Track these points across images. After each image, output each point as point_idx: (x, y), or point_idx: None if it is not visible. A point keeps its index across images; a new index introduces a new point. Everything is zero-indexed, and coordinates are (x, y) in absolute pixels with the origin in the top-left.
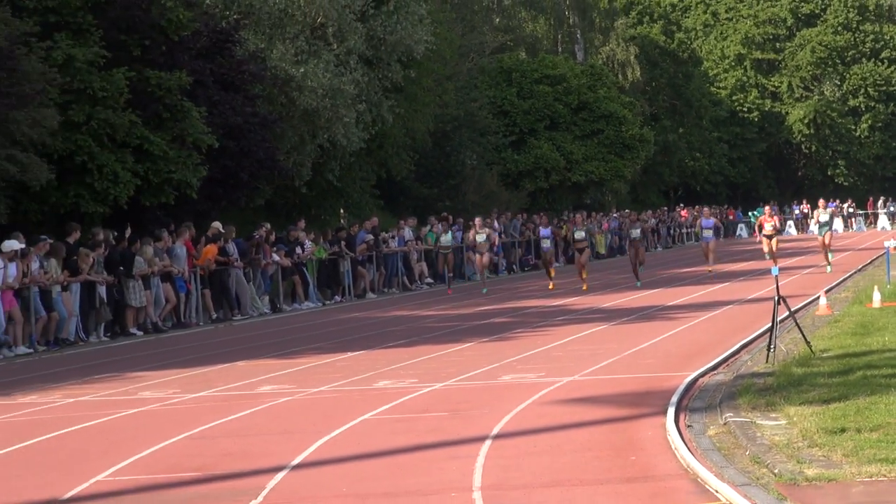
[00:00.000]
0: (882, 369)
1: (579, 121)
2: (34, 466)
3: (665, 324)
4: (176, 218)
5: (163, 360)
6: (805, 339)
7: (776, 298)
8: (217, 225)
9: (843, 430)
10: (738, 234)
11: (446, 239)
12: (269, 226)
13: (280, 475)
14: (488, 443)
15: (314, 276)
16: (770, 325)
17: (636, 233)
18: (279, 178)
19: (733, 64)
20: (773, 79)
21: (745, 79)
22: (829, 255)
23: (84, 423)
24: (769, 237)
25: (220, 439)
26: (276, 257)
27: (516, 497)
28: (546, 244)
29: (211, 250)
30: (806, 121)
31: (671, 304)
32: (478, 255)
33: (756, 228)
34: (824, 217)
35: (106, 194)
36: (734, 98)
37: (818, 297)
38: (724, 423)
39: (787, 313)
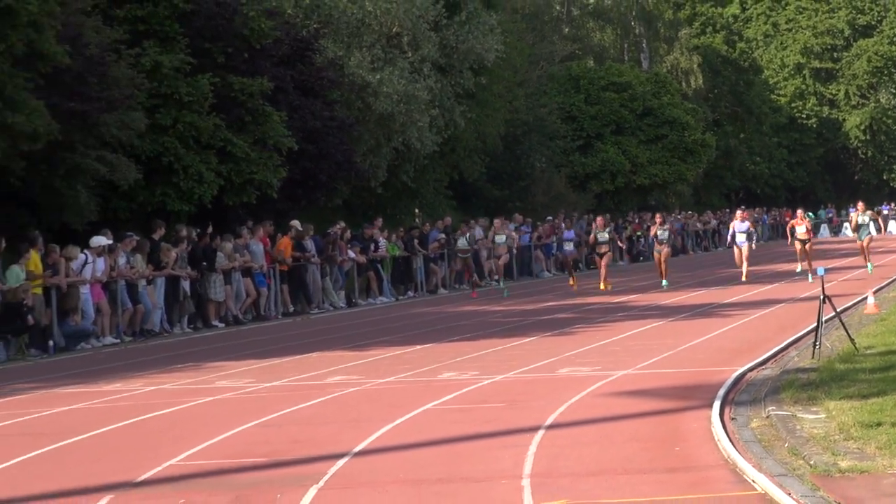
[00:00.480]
0: None
1: (644, 126)
2: (112, 450)
3: (718, 321)
4: (257, 216)
5: (241, 351)
6: (849, 337)
7: (821, 297)
8: (296, 223)
9: (878, 424)
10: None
11: (462, 242)
12: (343, 224)
13: (342, 461)
14: (541, 433)
15: (388, 273)
16: (817, 322)
17: (663, 235)
18: (356, 180)
19: (793, 73)
20: (830, 87)
21: (803, 87)
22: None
23: (162, 410)
24: (803, 242)
25: (288, 427)
26: (351, 254)
27: (563, 485)
28: (569, 247)
29: (285, 243)
30: (862, 127)
31: (726, 301)
32: (494, 259)
33: (788, 232)
34: (863, 219)
35: (191, 193)
36: (793, 105)
37: (866, 297)
38: (767, 417)
39: (833, 313)
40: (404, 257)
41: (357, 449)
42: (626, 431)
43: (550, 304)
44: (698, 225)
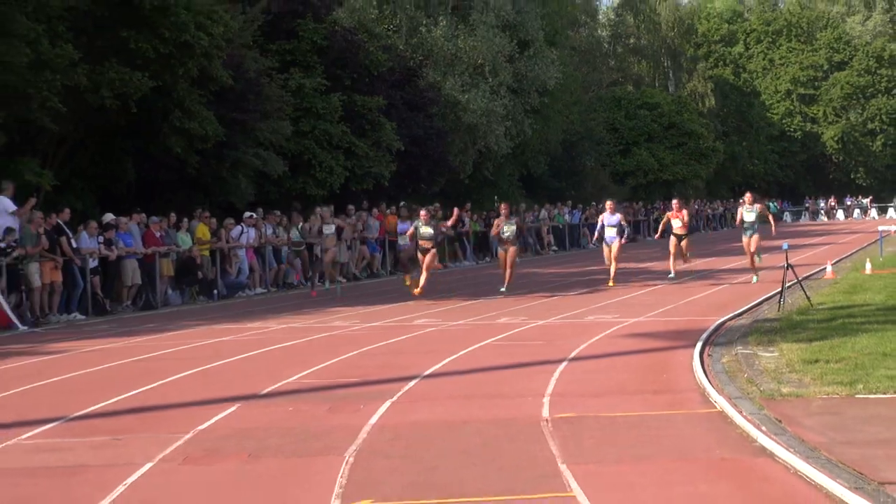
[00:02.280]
0: (858, 318)
1: (668, 136)
2: (246, 371)
3: (713, 283)
4: (373, 200)
5: (355, 300)
6: (806, 296)
7: (786, 266)
8: (403, 205)
9: (816, 361)
10: (783, 218)
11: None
12: (438, 205)
13: (413, 382)
14: (564, 363)
15: (471, 244)
16: (781, 284)
17: (509, 232)
18: (449, 174)
19: (783, 97)
20: (812, 108)
21: (791, 107)
22: (757, 258)
23: (288, 342)
24: (679, 237)
25: (377, 356)
26: (442, 229)
27: (572, 401)
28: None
29: (391, 220)
30: (836, 138)
31: (721, 269)
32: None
33: (661, 227)
34: (750, 216)
35: (325, 182)
36: (783, 121)
37: (825, 267)
38: (735, 354)
39: (795, 280)
40: (483, 232)
41: (426, 373)
42: (627, 363)
43: (589, 268)
44: (709, 210)
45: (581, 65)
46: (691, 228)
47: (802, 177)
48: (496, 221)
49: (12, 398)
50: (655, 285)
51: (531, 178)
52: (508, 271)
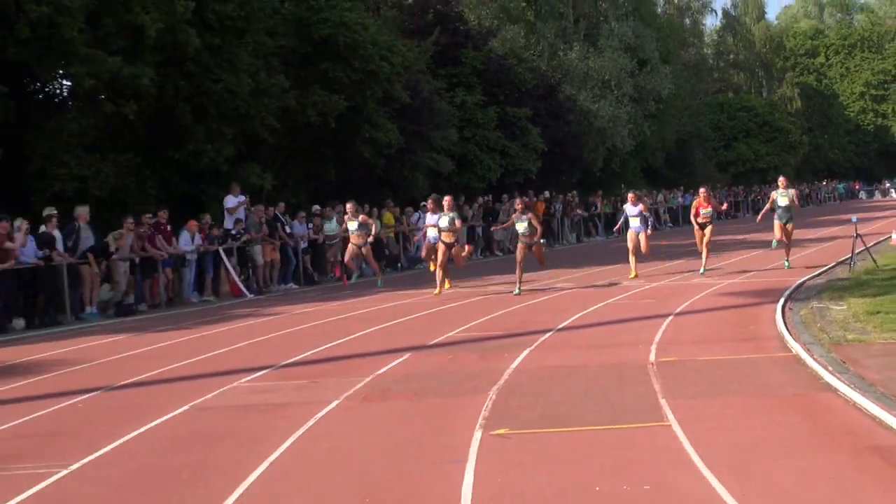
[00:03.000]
0: None
1: (763, 132)
2: (415, 329)
3: (800, 249)
4: (523, 190)
5: (505, 268)
6: (873, 259)
7: (855, 235)
8: (546, 194)
9: (877, 313)
10: (860, 195)
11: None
12: (575, 192)
13: (547, 335)
14: (670, 318)
15: (602, 222)
16: (852, 250)
17: (521, 226)
18: (583, 168)
19: (858, 97)
20: (882, 105)
21: (865, 106)
22: (786, 264)
23: (450, 304)
24: (702, 227)
25: (521, 314)
26: (578, 211)
27: (674, 348)
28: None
29: (540, 206)
30: None
31: (810, 237)
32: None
33: (692, 216)
34: (783, 201)
35: (484, 177)
36: (858, 117)
37: (891, 235)
38: (811, 308)
39: (863, 247)
40: (612, 213)
41: (558, 327)
42: (722, 316)
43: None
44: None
45: (690, 77)
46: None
47: (875, 162)
48: (511, 217)
49: (238, 350)
50: (752, 252)
51: (650, 170)
52: (538, 259)
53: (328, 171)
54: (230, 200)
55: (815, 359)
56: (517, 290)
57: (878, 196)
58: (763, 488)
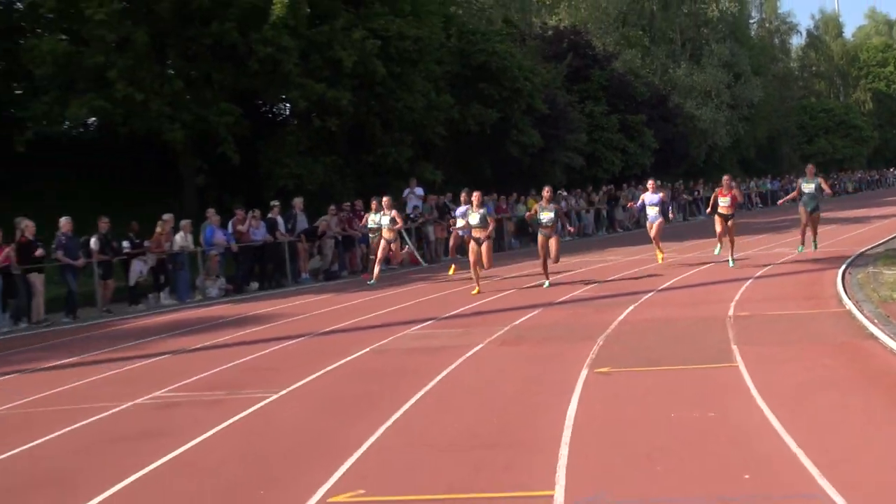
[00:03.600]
0: None
1: (839, 129)
2: (549, 290)
3: (863, 225)
4: (639, 180)
5: (619, 242)
6: None
7: None
8: (658, 183)
9: None
10: None
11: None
12: (681, 182)
13: (648, 295)
14: (750, 280)
15: (704, 205)
16: None
17: (547, 217)
18: (689, 162)
19: None
20: None
21: None
22: (813, 246)
23: (577, 269)
24: (725, 217)
25: (632, 278)
26: (684, 196)
27: (750, 305)
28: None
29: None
30: None
31: (874, 215)
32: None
33: (710, 205)
34: (809, 188)
35: (608, 170)
36: None
37: None
38: (867, 272)
39: None
40: (708, 196)
41: (659, 288)
42: (793, 279)
43: (780, 218)
44: (867, 177)
45: (778, 86)
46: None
47: None
48: (534, 207)
49: (412, 307)
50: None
51: (745, 161)
52: (552, 255)
53: (484, 167)
54: (410, 191)
55: (864, 313)
56: (546, 284)
57: None
58: (807, 416)
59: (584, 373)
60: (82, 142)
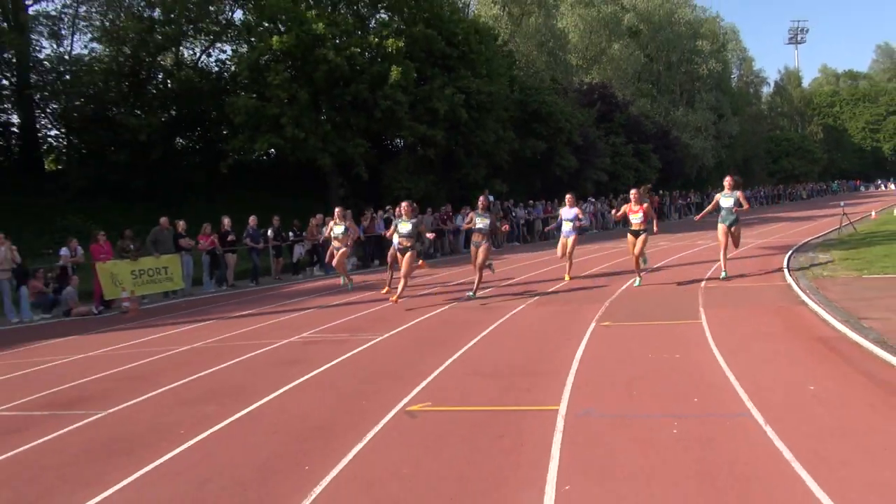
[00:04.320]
0: (878, 238)
1: (797, 152)
2: (580, 266)
3: (811, 222)
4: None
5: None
6: (853, 226)
7: (843, 212)
8: (660, 192)
9: (847, 259)
10: (860, 189)
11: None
12: (678, 191)
13: (648, 272)
14: (719, 262)
15: (695, 208)
16: (839, 222)
17: (482, 223)
18: (684, 177)
19: (861, 130)
20: (876, 135)
21: (865, 135)
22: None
23: (607, 251)
24: (635, 234)
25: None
26: (679, 201)
27: (715, 279)
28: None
29: (656, 199)
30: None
31: (819, 214)
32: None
33: (619, 216)
34: (727, 202)
35: (625, 182)
36: (860, 142)
37: (871, 213)
38: (807, 255)
39: (849, 221)
40: (700, 201)
41: (657, 266)
42: (750, 261)
43: (752, 217)
44: (741, 193)
45: (752, 123)
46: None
47: (871, 168)
48: (470, 214)
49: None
50: (778, 224)
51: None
52: (477, 274)
53: (536, 182)
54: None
55: (798, 286)
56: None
57: (871, 188)
58: (744, 358)
59: (592, 325)
60: (264, 166)
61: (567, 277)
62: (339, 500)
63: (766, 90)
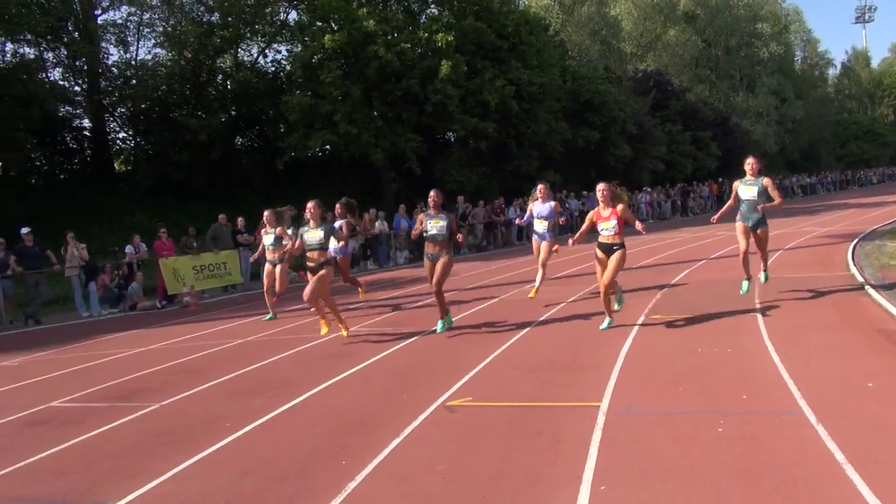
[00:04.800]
0: None
1: (866, 136)
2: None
3: (881, 208)
4: (705, 179)
5: (693, 223)
6: None
7: None
8: (720, 180)
9: None
10: None
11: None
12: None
13: (702, 261)
14: (780, 251)
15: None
16: None
17: (433, 229)
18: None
19: None
20: None
21: None
22: (762, 277)
23: (663, 241)
24: (607, 250)
25: (691, 249)
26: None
27: (775, 269)
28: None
29: (714, 187)
30: None
31: (889, 200)
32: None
33: (583, 231)
34: (748, 193)
35: (682, 172)
36: None
37: None
38: (874, 244)
39: None
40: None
41: (711, 256)
42: (812, 251)
43: (816, 204)
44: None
45: (817, 106)
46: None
47: None
48: (419, 217)
49: (530, 272)
50: (845, 211)
51: (791, 162)
52: (435, 279)
53: (590, 171)
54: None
55: (863, 276)
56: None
57: None
58: (799, 352)
59: (641, 318)
60: (318, 162)
61: (533, 293)
62: (374, 494)
63: (833, 72)
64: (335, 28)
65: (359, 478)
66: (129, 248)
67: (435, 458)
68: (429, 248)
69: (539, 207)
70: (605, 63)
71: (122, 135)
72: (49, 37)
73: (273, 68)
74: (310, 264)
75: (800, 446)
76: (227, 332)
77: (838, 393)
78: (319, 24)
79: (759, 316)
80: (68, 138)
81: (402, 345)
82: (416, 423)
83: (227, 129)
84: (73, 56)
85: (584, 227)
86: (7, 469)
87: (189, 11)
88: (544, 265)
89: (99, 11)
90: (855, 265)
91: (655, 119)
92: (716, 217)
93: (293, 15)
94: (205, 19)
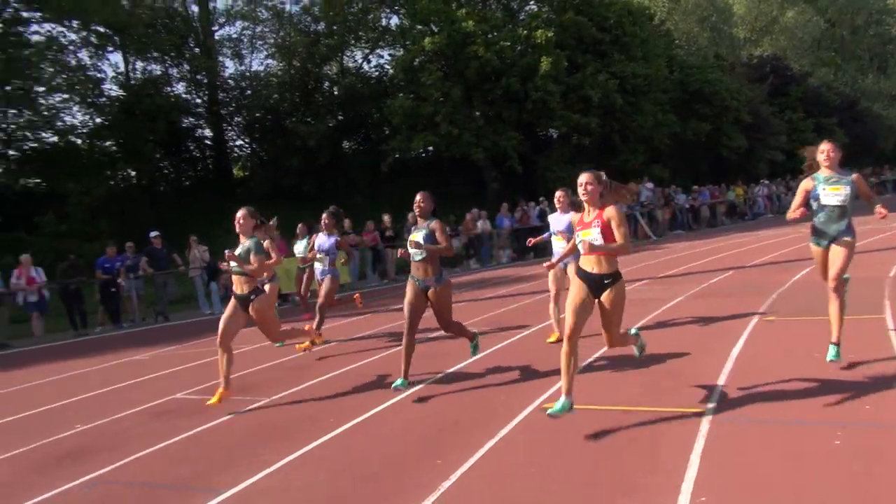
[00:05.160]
0: None
1: None
2: (747, 254)
3: None
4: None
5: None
6: None
7: None
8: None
9: None
10: None
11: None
12: (870, 168)
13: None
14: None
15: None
16: None
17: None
18: (877, 151)
19: None
20: None
21: None
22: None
23: (779, 238)
24: (590, 284)
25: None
26: (871, 179)
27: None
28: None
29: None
30: None
31: None
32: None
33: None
34: (831, 198)
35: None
36: None
37: None
38: None
39: None
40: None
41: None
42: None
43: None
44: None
45: None
46: None
47: None
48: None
49: (637, 265)
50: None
51: None
52: (442, 322)
53: (702, 164)
54: (643, 186)
55: None
56: (397, 382)
57: None
58: None
59: (754, 320)
60: (421, 163)
61: (554, 336)
62: (467, 495)
63: None
64: (435, 30)
65: (452, 478)
66: None
67: (528, 462)
68: (414, 271)
69: (556, 221)
70: (716, 50)
71: (238, 142)
72: (173, 54)
73: (376, 73)
74: (237, 291)
75: None
76: (336, 330)
77: None
78: (420, 27)
79: (888, 319)
80: (192, 147)
81: (503, 343)
82: (512, 425)
83: (335, 133)
84: (195, 70)
85: (569, 251)
86: (135, 455)
87: (297, 23)
88: (557, 299)
89: (216, 27)
90: None
91: (773, 107)
92: (791, 214)
93: (394, 20)
94: (311, 29)
